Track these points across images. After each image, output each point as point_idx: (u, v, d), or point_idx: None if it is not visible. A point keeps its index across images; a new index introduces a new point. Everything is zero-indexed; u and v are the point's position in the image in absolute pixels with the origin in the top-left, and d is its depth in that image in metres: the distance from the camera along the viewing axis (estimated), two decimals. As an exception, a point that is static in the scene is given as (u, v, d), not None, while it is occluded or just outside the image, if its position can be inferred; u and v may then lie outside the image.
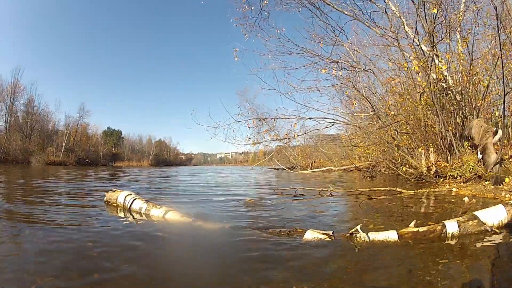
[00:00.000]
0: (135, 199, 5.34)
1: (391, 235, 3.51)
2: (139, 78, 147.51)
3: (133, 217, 4.91)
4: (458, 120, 9.63)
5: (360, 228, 3.47)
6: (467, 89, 9.65)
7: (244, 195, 8.33)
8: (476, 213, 3.98)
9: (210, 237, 3.88)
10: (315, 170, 22.64)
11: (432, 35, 9.24)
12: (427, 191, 7.70)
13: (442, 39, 9.47)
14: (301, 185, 9.01)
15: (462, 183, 8.33)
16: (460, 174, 8.53)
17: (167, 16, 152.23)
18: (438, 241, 3.53)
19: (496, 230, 3.78)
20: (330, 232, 3.54)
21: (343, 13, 11.36)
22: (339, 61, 11.49)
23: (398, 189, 7.72)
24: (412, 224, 3.71)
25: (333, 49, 11.62)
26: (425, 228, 3.64)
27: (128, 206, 5.30)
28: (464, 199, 6.15)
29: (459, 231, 3.68)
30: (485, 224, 3.82)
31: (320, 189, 8.15)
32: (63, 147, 57.81)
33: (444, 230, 3.64)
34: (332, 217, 5.14)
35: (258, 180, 16.33)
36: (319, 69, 11.88)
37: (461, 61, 9.82)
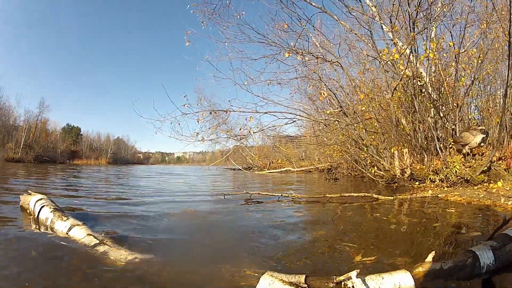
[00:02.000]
0: (43, 206, 3.69)
1: (403, 280, 2.03)
2: (99, 72, 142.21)
3: (32, 230, 3.37)
4: (432, 120, 8.48)
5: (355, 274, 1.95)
6: (445, 87, 8.55)
7: (187, 202, 6.61)
8: (506, 232, 2.63)
9: (105, 279, 2.21)
10: (272, 171, 21.32)
11: (414, 22, 7.88)
12: (408, 197, 6.39)
13: (425, 28, 8.15)
14: (258, 188, 7.74)
15: (446, 188, 7.04)
16: (443, 177, 7.21)
17: (127, 12, 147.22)
18: (470, 279, 2.23)
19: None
20: (302, 279, 1.98)
21: (311, 4, 9.90)
22: (305, 52, 9.95)
23: (375, 195, 6.33)
24: (430, 258, 2.20)
25: (299, 40, 10.04)
26: (451, 264, 2.23)
27: (36, 214, 3.69)
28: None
29: (495, 262, 2.34)
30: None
31: (280, 194, 6.65)
32: (22, 143, 54.10)
33: (477, 264, 2.28)
34: (298, 239, 3.52)
35: (211, 182, 14.49)
36: (281, 60, 10.56)
37: (438, 60, 8.69)
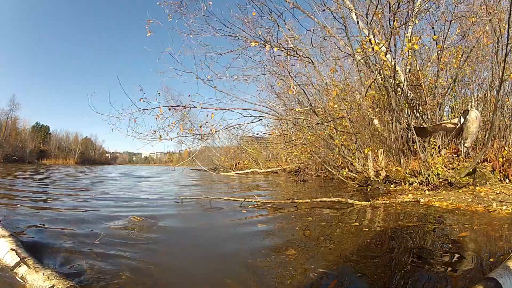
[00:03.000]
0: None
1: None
2: (72, 69, 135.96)
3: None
4: (408, 120, 7.70)
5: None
6: (422, 86, 7.94)
7: (139, 207, 5.67)
8: None
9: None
10: (239, 172, 20.37)
11: (395, 15, 7.14)
12: (387, 201, 5.62)
13: (406, 23, 7.44)
14: (223, 190, 7.31)
15: (427, 191, 6.30)
16: (423, 179, 6.48)
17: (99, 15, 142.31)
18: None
19: None
20: None
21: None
22: (273, 43, 8.99)
23: (349, 200, 5.51)
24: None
25: (269, 35, 9.07)
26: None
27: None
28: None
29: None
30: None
31: (243, 199, 5.73)
32: (-9, 142, 51.36)
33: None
34: (262, 262, 2.63)
35: (173, 184, 13.47)
36: (248, 55, 9.71)
37: (415, 59, 8.11)
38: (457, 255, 2.74)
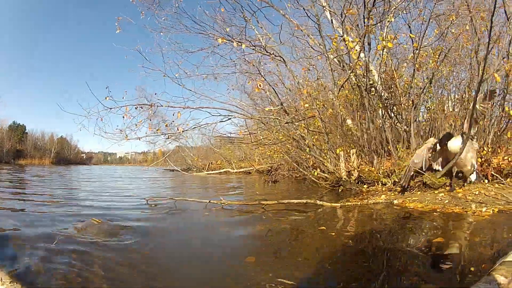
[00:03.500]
0: None
1: None
2: (44, 68, 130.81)
3: None
4: (382, 120, 7.48)
5: None
6: (396, 86, 7.67)
7: (102, 208, 5.36)
8: None
9: None
10: (211, 172, 19.90)
11: (370, 12, 6.83)
12: (358, 203, 5.26)
13: (381, 21, 7.18)
14: (195, 191, 7.22)
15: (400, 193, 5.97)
16: (397, 180, 6.20)
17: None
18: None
19: None
20: None
21: (257, -3, 8.74)
22: (241, 40, 8.55)
23: (319, 202, 5.18)
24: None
25: (242, 33, 8.72)
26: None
27: None
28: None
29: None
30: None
31: (208, 201, 5.51)
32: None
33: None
34: (215, 278, 2.36)
35: (144, 184, 12.80)
36: (219, 54, 9.31)
37: (390, 59, 7.90)
38: (432, 264, 2.46)
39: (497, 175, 5.59)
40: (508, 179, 5.57)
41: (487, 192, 5.03)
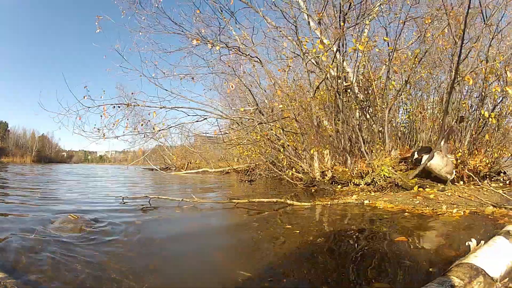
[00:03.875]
0: None
1: None
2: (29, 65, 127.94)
3: None
4: (357, 121, 7.49)
5: None
6: (373, 88, 7.63)
7: (82, 205, 5.23)
8: (471, 260, 1.84)
9: None
10: (189, 171, 19.57)
11: (345, 15, 6.79)
12: (329, 202, 5.16)
13: (357, 24, 7.14)
14: (175, 191, 7.18)
15: (373, 192, 5.94)
16: (370, 181, 6.13)
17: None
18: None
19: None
20: None
21: (236, -2, 8.61)
22: (216, 41, 8.43)
23: (289, 201, 5.12)
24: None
25: (221, 33, 8.68)
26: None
27: None
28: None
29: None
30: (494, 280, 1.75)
31: (181, 199, 5.38)
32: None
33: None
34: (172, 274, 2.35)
35: (122, 183, 12.37)
36: (197, 54, 9.30)
37: (367, 61, 7.78)
38: (390, 263, 2.40)
39: (474, 177, 5.54)
40: (485, 181, 5.57)
41: (461, 194, 5.02)
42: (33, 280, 2.01)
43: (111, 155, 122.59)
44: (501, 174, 6.65)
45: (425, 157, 5.42)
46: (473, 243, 2.08)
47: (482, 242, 2.08)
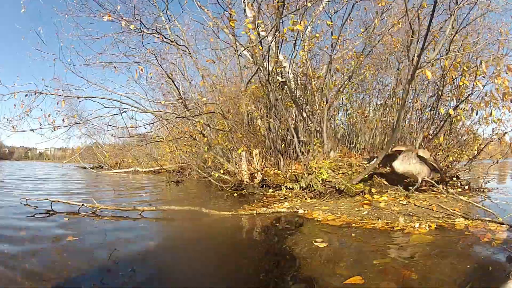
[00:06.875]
0: None
1: None
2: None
3: None
4: (293, 120, 6.30)
5: None
6: (312, 85, 6.34)
7: None
8: None
9: None
10: (119, 170, 17.40)
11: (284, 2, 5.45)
12: (255, 211, 3.86)
13: (298, 9, 5.75)
14: (104, 193, 6.44)
15: (309, 199, 4.60)
16: (305, 185, 4.77)
17: None
18: None
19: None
20: None
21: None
22: (135, 26, 6.79)
23: (204, 210, 3.83)
24: None
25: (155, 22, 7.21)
26: None
27: None
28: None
29: None
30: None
31: (81, 204, 4.27)
32: None
33: None
34: None
35: (40, 183, 9.91)
36: (126, 44, 7.59)
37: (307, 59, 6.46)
38: None
39: (430, 181, 4.34)
40: (440, 186, 4.35)
41: (417, 201, 3.80)
42: None
43: (50, 152, 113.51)
44: (453, 178, 5.64)
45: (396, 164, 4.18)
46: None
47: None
